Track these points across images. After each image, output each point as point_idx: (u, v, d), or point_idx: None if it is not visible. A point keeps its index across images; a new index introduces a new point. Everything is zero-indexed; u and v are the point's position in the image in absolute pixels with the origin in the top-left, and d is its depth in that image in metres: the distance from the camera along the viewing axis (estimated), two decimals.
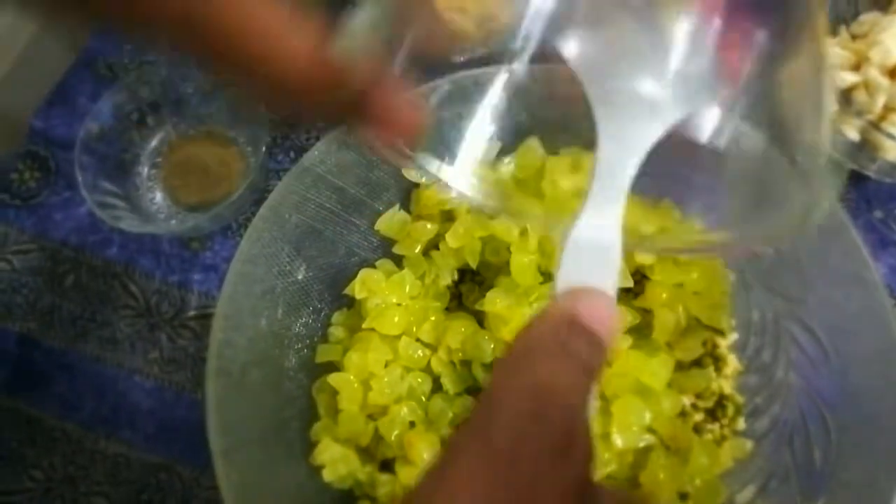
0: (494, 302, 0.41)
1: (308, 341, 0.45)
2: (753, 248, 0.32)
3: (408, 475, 0.40)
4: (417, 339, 0.43)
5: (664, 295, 0.42)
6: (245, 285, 0.41)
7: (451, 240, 0.44)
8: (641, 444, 0.40)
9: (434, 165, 0.27)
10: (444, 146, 0.28)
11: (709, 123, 0.26)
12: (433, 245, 0.46)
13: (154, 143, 0.58)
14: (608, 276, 0.23)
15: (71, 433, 0.53)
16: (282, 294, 0.43)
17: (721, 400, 0.43)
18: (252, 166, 0.55)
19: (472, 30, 0.28)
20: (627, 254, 0.42)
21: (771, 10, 0.25)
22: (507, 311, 0.41)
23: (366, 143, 0.27)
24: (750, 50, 0.25)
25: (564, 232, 0.24)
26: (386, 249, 0.47)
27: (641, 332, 0.42)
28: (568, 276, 0.23)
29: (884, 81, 0.48)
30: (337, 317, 0.46)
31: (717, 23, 0.25)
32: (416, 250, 0.45)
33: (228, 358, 0.40)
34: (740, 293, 0.45)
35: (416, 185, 0.47)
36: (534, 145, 0.45)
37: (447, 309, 0.45)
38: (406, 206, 0.47)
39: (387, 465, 0.42)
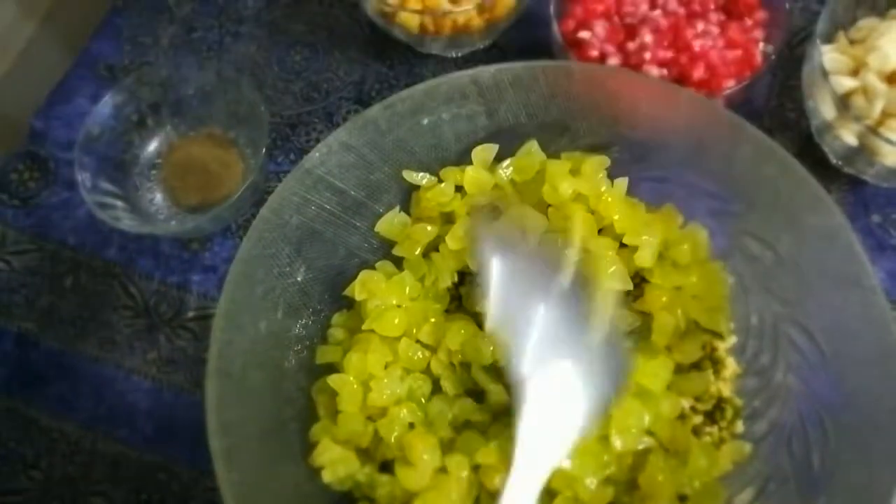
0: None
1: (308, 342, 0.45)
2: None
3: (407, 476, 0.40)
4: (417, 341, 0.43)
5: (663, 298, 0.42)
6: (245, 286, 0.41)
7: (451, 242, 0.44)
8: (640, 447, 0.40)
9: None
10: None
11: None
12: (433, 247, 0.46)
13: (154, 144, 0.58)
14: None
15: (69, 433, 0.53)
16: (282, 295, 0.43)
17: (720, 403, 0.43)
18: (252, 168, 0.55)
19: None
20: (627, 257, 0.43)
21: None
22: None
23: None
24: None
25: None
26: (386, 251, 0.47)
27: (641, 334, 0.42)
28: None
29: (882, 87, 0.48)
30: (337, 318, 0.46)
31: None
32: (416, 252, 0.45)
33: (228, 358, 0.40)
34: (739, 296, 0.45)
35: (417, 188, 0.47)
36: (533, 149, 0.46)
37: (447, 311, 0.45)
38: (406, 208, 0.47)
39: (386, 467, 0.42)
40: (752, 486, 0.42)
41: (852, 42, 0.51)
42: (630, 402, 0.39)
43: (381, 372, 0.42)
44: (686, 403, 0.43)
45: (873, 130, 0.47)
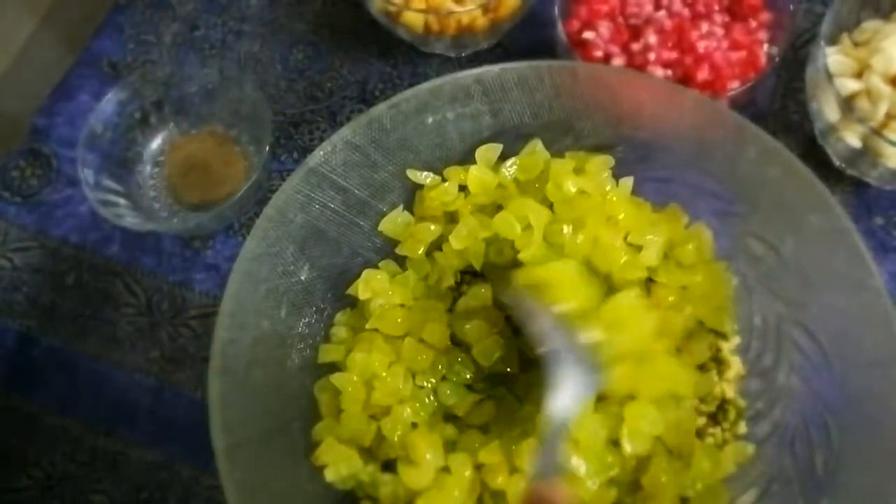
0: None
1: (311, 341, 0.45)
2: None
3: (410, 475, 0.40)
4: (420, 340, 0.43)
5: (670, 298, 0.42)
6: (249, 284, 0.41)
7: (455, 241, 0.44)
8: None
9: None
10: None
11: None
12: (436, 246, 0.46)
13: (157, 141, 0.58)
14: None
15: (71, 431, 0.52)
16: (285, 294, 0.43)
17: (723, 404, 0.43)
18: (255, 166, 0.55)
19: None
20: (632, 259, 0.43)
21: None
22: None
23: None
24: None
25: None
26: (389, 250, 0.47)
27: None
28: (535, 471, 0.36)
29: (886, 89, 0.48)
30: (340, 317, 0.46)
31: None
32: (420, 251, 0.45)
33: (232, 357, 0.40)
34: (742, 297, 0.45)
35: (420, 187, 0.47)
36: (538, 148, 0.46)
37: (450, 310, 0.45)
38: (410, 207, 0.47)
39: (389, 466, 0.42)
40: (755, 487, 0.42)
41: (856, 44, 0.51)
42: (644, 407, 0.39)
43: (385, 371, 0.42)
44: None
45: (877, 132, 0.47)
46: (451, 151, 0.47)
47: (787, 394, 0.43)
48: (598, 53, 0.52)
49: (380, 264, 0.46)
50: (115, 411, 0.53)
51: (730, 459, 0.42)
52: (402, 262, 0.46)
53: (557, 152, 0.46)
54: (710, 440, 0.43)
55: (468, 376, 0.43)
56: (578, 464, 0.38)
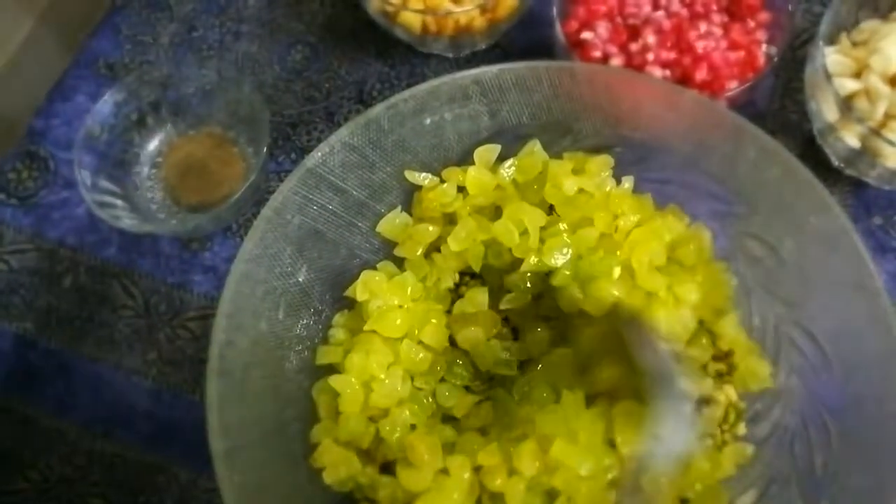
0: None
1: (309, 343, 0.45)
2: None
3: (408, 478, 0.40)
4: (419, 342, 0.43)
5: (671, 300, 0.42)
6: (247, 286, 0.41)
7: (453, 243, 0.44)
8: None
9: None
10: None
11: None
12: (435, 248, 0.45)
13: (154, 142, 0.58)
14: None
15: (68, 434, 0.52)
16: (283, 295, 0.43)
17: None
18: (253, 167, 0.55)
19: None
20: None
21: None
22: None
23: None
24: None
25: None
26: (387, 251, 0.47)
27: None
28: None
29: (885, 89, 0.48)
30: (338, 318, 0.46)
31: None
32: (418, 253, 0.45)
33: (230, 359, 0.39)
34: (741, 298, 0.45)
35: (419, 188, 0.47)
36: (536, 149, 0.45)
37: (448, 312, 0.45)
38: (408, 208, 0.47)
39: (387, 468, 0.42)
40: (755, 488, 0.42)
41: (855, 44, 0.51)
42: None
43: (383, 373, 0.42)
44: None
45: (876, 132, 0.47)
46: (450, 152, 0.46)
47: (786, 395, 0.42)
48: (597, 54, 0.52)
49: (378, 266, 0.46)
50: (112, 413, 0.53)
51: (729, 460, 0.42)
52: (400, 263, 0.46)
53: (556, 153, 0.46)
54: (709, 441, 0.43)
55: (467, 378, 0.43)
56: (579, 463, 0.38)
